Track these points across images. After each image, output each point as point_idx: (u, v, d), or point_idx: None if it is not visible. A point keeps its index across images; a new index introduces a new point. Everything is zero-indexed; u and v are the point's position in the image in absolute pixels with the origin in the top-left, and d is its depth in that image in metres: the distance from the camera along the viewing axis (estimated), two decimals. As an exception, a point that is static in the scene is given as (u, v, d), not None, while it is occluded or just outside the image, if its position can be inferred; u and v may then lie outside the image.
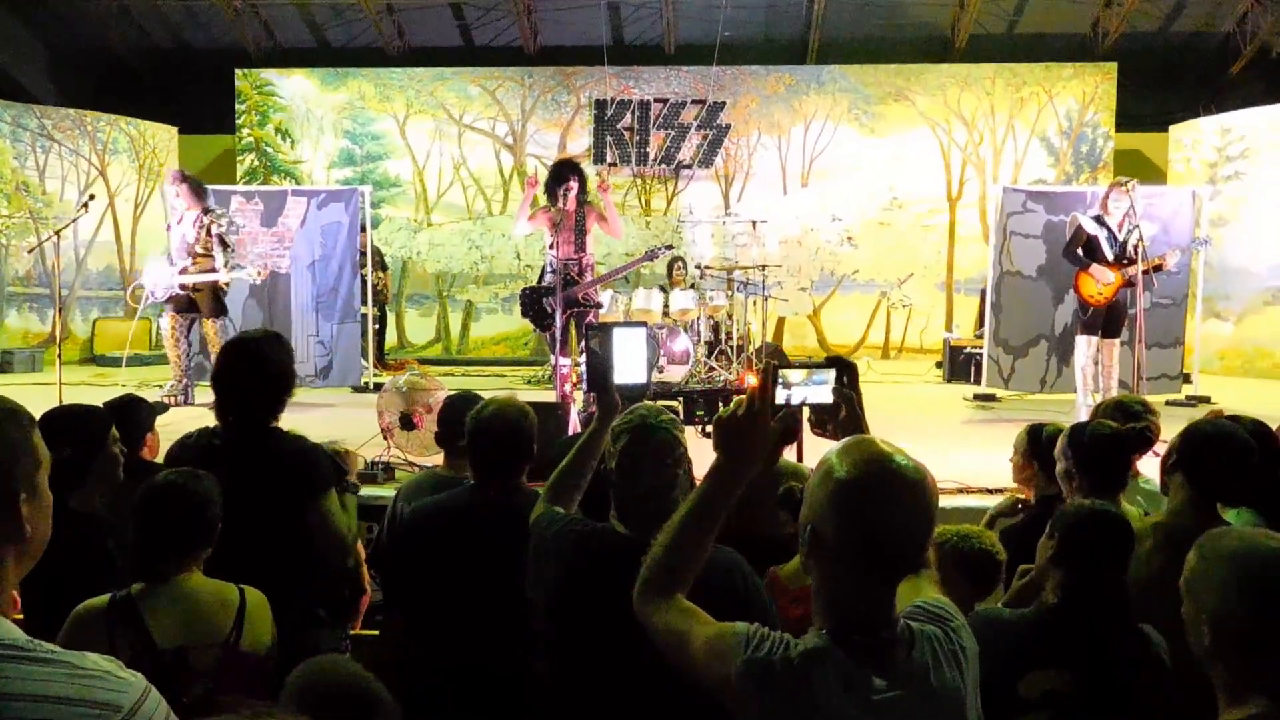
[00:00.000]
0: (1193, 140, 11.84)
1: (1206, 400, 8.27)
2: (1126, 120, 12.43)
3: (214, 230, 7.67)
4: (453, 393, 3.87)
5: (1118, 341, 7.30)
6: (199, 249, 7.63)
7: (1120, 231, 7.14)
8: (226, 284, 7.85)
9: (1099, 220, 7.20)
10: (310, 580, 2.91)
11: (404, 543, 2.81)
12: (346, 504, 3.21)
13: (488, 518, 2.68)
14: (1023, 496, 3.66)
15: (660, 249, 7.67)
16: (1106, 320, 7.20)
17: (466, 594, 2.64)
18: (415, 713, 2.79)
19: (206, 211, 7.70)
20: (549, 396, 6.79)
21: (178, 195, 7.70)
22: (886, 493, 1.45)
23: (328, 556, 2.85)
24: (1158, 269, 7.15)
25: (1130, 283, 7.03)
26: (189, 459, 2.79)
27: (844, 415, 1.84)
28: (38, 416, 2.96)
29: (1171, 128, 12.20)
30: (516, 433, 2.73)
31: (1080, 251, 7.20)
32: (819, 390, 1.83)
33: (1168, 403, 8.09)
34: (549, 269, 7.40)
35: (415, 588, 2.75)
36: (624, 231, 7.45)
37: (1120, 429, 2.96)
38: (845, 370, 1.86)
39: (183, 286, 7.64)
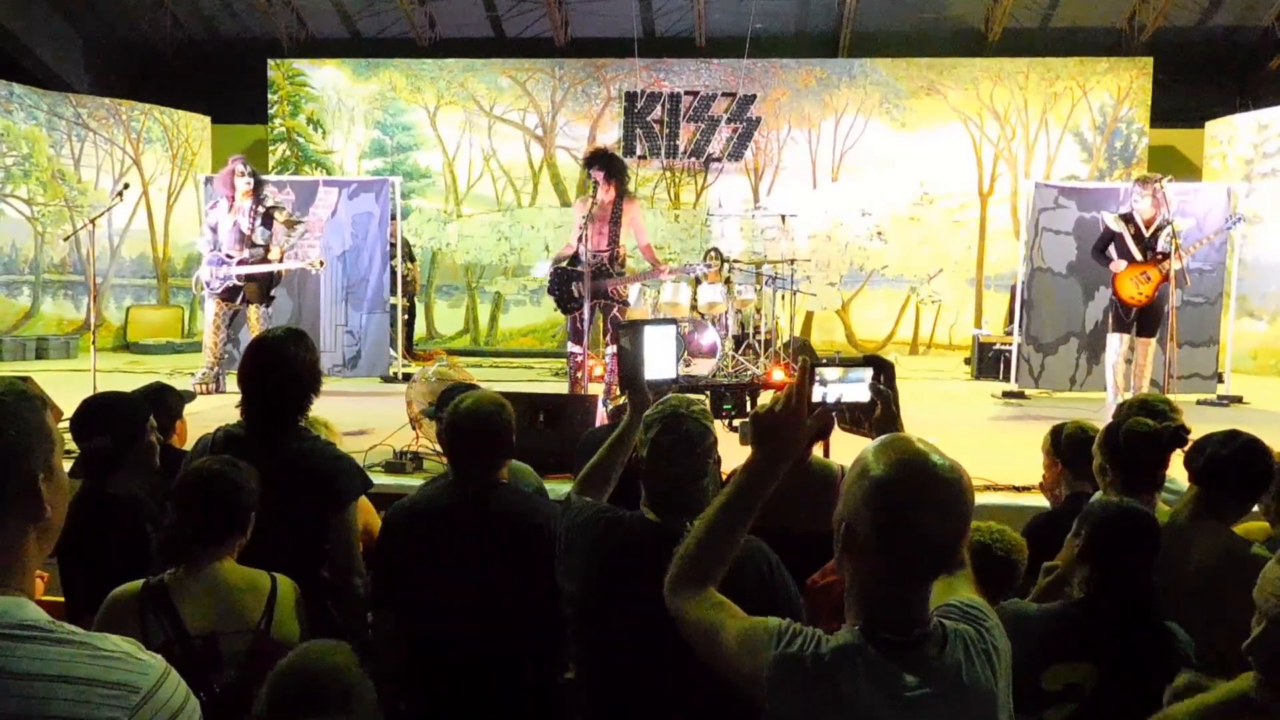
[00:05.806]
0: (1229, 136, 11.68)
1: (1239, 400, 8.18)
2: (1161, 116, 12.28)
3: (278, 218, 7.83)
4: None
5: (1153, 340, 7.13)
6: (257, 239, 7.72)
7: (1148, 229, 7.02)
8: (284, 272, 7.97)
9: (1126, 219, 7.10)
10: (323, 584, 2.80)
11: (385, 539, 2.75)
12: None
13: (464, 514, 2.65)
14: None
15: (696, 266, 7.64)
16: (1141, 318, 7.05)
17: (446, 589, 2.61)
18: (410, 706, 2.76)
19: (260, 201, 7.77)
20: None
21: (247, 180, 7.67)
22: (921, 492, 1.45)
23: (335, 571, 2.77)
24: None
25: (1168, 278, 6.85)
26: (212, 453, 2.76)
27: (879, 414, 1.84)
28: (75, 404, 3.02)
29: (1207, 124, 12.04)
30: (491, 428, 2.66)
31: (1111, 250, 7.10)
32: (855, 388, 1.83)
33: (1199, 402, 8.01)
34: (578, 257, 7.36)
35: (398, 584, 2.69)
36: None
37: (1156, 427, 2.92)
38: (882, 369, 1.87)
39: (239, 277, 7.68)
